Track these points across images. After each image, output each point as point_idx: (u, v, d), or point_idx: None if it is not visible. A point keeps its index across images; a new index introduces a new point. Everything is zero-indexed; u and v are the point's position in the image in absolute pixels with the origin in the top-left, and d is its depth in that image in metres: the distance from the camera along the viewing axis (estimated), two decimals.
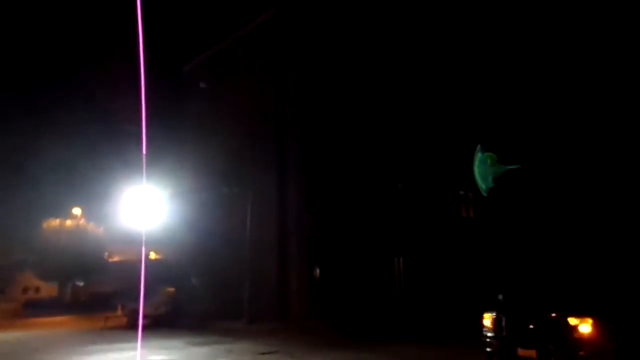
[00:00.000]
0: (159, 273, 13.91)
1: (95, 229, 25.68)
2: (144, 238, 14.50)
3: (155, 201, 14.57)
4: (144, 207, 14.31)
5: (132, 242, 23.94)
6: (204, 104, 15.00)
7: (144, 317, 13.41)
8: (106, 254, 26.78)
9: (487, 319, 5.76)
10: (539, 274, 6.72)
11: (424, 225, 14.83)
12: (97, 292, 24.81)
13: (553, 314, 5.32)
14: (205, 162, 13.88)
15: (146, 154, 14.36)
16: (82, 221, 25.56)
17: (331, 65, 13.25)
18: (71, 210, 25.81)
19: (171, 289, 13.18)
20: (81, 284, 27.40)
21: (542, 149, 14.63)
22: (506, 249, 13.02)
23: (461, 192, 17.01)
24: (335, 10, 13.51)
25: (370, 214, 13.42)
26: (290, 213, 12.27)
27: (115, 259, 26.41)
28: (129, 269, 24.66)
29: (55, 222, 25.08)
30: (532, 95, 15.49)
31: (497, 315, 5.68)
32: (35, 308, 25.72)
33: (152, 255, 28.80)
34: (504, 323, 5.59)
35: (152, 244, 13.38)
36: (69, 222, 25.35)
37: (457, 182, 15.50)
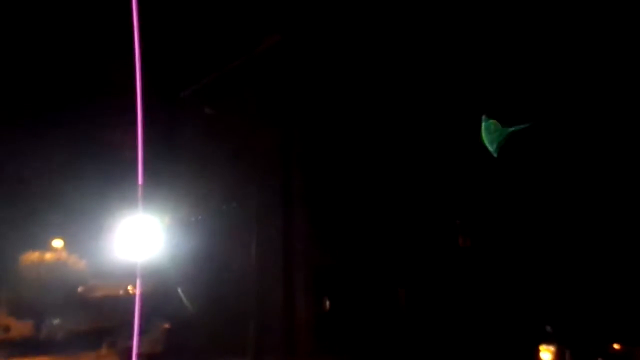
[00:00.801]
0: (155, 306, 13.11)
1: (77, 262, 24.46)
2: (139, 269, 13.70)
3: (151, 231, 13.96)
4: (139, 238, 13.62)
5: (117, 275, 22.89)
6: (202, 131, 14.60)
7: (140, 355, 12.54)
8: (81, 288, 25.40)
9: (547, 352, 5.36)
10: (592, 300, 6.39)
11: (424, 256, 14.57)
12: (77, 329, 23.43)
13: (617, 345, 4.96)
14: (205, 191, 13.36)
15: (142, 183, 13.60)
16: (64, 254, 24.35)
17: (338, 92, 13.12)
18: (51, 242, 24.68)
19: (168, 324, 12.41)
20: (56, 321, 25.88)
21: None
22: (546, 275, 12.57)
23: (457, 221, 16.92)
24: (343, 35, 13.45)
25: (375, 244, 13.10)
26: (297, 244, 11.79)
27: (98, 293, 25.07)
28: (114, 304, 23.46)
29: (33, 255, 23.82)
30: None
31: (558, 347, 5.28)
32: (7, 348, 24.05)
33: (130, 289, 27.61)
34: (568, 356, 5.19)
35: (148, 275, 12.57)
36: (48, 255, 24.11)
37: (453, 212, 15.45)
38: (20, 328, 29.37)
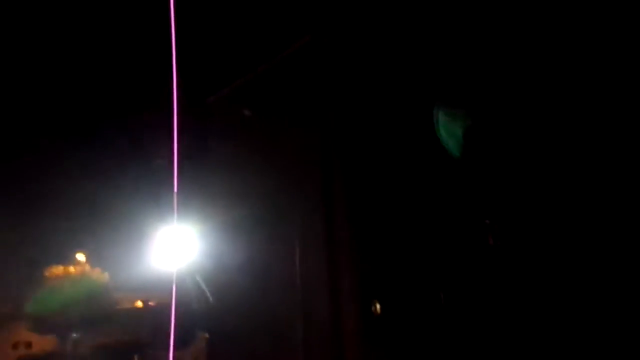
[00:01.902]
0: (191, 317, 12.85)
1: (100, 275, 24.28)
2: (175, 279, 13.30)
3: (187, 240, 13.68)
4: (174, 247, 13.35)
5: (143, 287, 22.69)
6: (234, 136, 14.30)
7: None
8: (106, 301, 25.16)
9: None
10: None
11: (457, 257, 14.24)
12: (102, 344, 23.18)
13: None
14: (242, 198, 13.07)
15: (177, 192, 13.16)
16: (87, 267, 24.19)
17: (376, 93, 12.81)
18: (75, 255, 24.56)
19: (207, 336, 12.11)
20: (80, 335, 25.66)
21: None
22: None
23: (486, 221, 16.60)
24: (377, 32, 13.15)
25: (415, 245, 12.76)
26: (340, 248, 11.44)
27: (126, 305, 24.86)
28: (141, 317, 23.22)
29: (57, 269, 23.70)
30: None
31: None
32: None
33: (139, 304, 27.40)
34: None
35: (184, 286, 12.33)
36: (72, 269, 23.97)
37: (481, 211, 15.12)
38: (43, 343, 29.22)
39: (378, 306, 11.16)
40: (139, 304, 27.50)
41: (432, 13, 13.48)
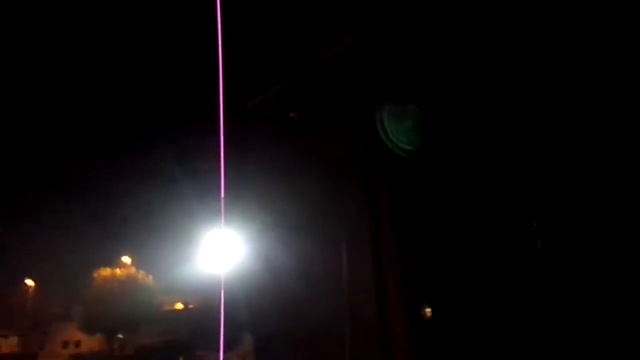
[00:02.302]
0: (239, 319, 12.98)
1: (144, 277, 24.96)
2: (223, 282, 13.40)
3: (233, 244, 13.88)
4: (221, 250, 13.52)
5: (186, 289, 23.23)
6: (276, 141, 14.36)
7: None
8: (152, 303, 25.82)
9: None
10: None
11: (504, 260, 13.82)
12: (148, 344, 23.82)
13: None
14: (287, 202, 13.05)
15: (224, 197, 13.22)
16: (133, 270, 24.92)
17: (418, 93, 12.66)
18: (120, 258, 25.34)
19: (255, 338, 12.19)
20: (121, 336, 26.40)
21: None
22: None
23: (534, 223, 16.08)
24: (420, 34, 13.00)
25: (462, 248, 12.50)
26: (386, 252, 11.31)
27: (169, 307, 25.48)
28: (187, 317, 23.69)
29: (105, 272, 24.49)
30: None
31: None
32: None
33: (180, 306, 27.89)
34: None
35: (230, 288, 12.44)
36: (118, 271, 24.73)
37: (529, 213, 14.65)
38: (91, 343, 30.30)
39: (428, 310, 10.96)
40: (180, 306, 28.15)
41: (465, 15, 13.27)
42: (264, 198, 13.25)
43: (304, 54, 14.48)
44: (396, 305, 10.84)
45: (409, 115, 12.79)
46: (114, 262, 25.00)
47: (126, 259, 25.31)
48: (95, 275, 24.20)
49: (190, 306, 26.88)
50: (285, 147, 13.79)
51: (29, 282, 30.43)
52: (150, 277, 25.06)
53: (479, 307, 12.42)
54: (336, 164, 12.51)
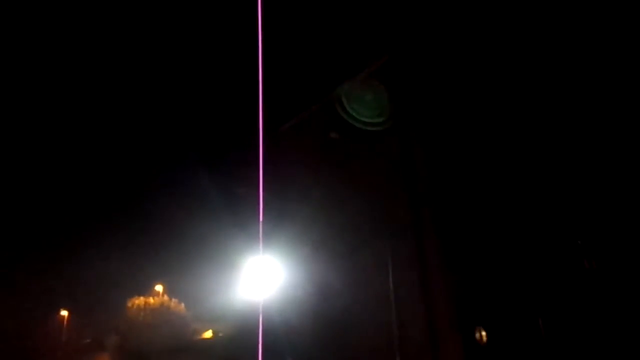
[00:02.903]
0: (277, 348, 12.53)
1: (177, 305, 24.81)
2: (261, 308, 13.04)
3: (272, 270, 13.58)
4: (260, 277, 13.21)
5: (219, 317, 22.89)
6: (312, 162, 14.14)
7: None
8: (185, 331, 25.50)
9: None
10: None
11: (551, 280, 13.10)
12: None
13: None
14: (327, 225, 12.68)
15: (262, 223, 12.88)
16: (166, 298, 24.81)
17: (458, 110, 12.32)
18: (154, 286, 25.33)
19: None
20: None
21: None
22: None
23: (578, 242, 15.31)
24: (460, 49, 12.73)
25: (512, 268, 11.89)
26: (434, 275, 10.82)
27: (204, 335, 25.16)
28: (219, 346, 23.23)
29: (139, 300, 24.46)
30: None
31: None
32: None
33: (209, 334, 27.50)
34: None
35: (268, 314, 12.06)
36: (152, 300, 24.65)
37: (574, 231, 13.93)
38: None
39: (483, 334, 10.30)
40: (209, 334, 27.78)
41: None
42: (303, 223, 12.92)
43: (337, 75, 14.38)
44: (448, 329, 10.28)
45: (369, 90, 12.96)
46: (146, 290, 24.97)
47: (159, 287, 25.25)
48: (129, 304, 24.17)
49: (220, 334, 26.51)
50: (323, 168, 13.55)
51: (63, 312, 30.63)
52: (183, 305, 24.87)
53: (531, 331, 11.69)
54: (376, 184, 12.19)
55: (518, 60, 13.42)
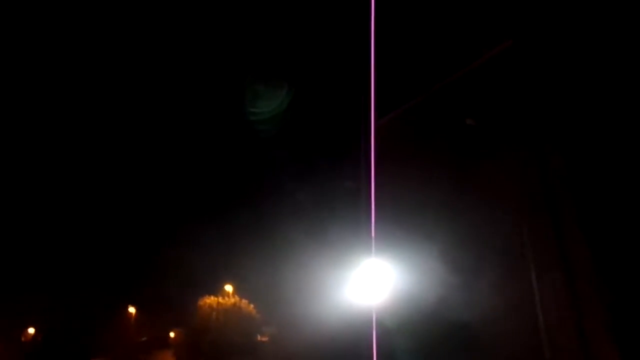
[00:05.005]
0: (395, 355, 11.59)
1: (247, 306, 24.33)
2: (374, 313, 11.91)
3: (383, 277, 12.65)
4: (372, 281, 12.25)
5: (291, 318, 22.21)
6: (423, 158, 12.97)
7: None
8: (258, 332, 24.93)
9: None
10: None
11: None
12: None
13: None
14: (445, 232, 11.50)
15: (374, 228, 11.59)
16: (236, 298, 24.36)
17: (585, 109, 10.92)
18: (223, 287, 24.95)
19: None
20: None
21: None
22: None
23: None
24: (586, 33, 11.33)
25: None
26: (583, 287, 9.55)
27: (271, 337, 24.54)
28: (277, 348, 22.47)
29: (210, 299, 24.15)
30: None
31: None
32: None
33: (264, 337, 26.80)
34: None
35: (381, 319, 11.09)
36: (222, 300, 24.28)
37: None
38: None
39: None
40: (264, 337, 27.20)
41: None
42: (421, 230, 11.71)
43: (447, 62, 13.22)
44: (602, 335, 9.00)
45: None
46: (216, 289, 24.63)
47: (228, 287, 24.86)
48: (201, 302, 23.89)
49: (264, 339, 25.95)
50: (436, 164, 12.39)
51: (131, 309, 30.95)
52: (252, 306, 24.37)
53: None
54: (502, 185, 10.97)
55: None
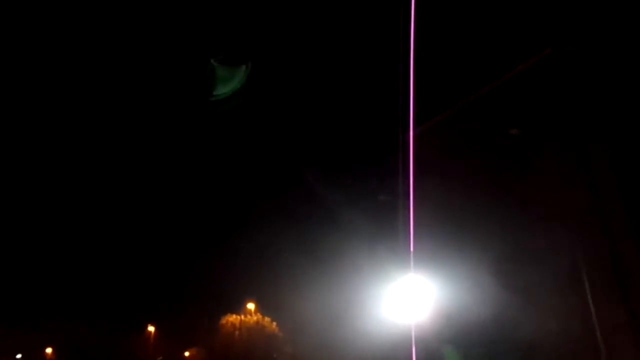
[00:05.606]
0: None
1: (270, 324, 23.81)
2: (413, 330, 11.37)
3: (421, 292, 12.17)
4: (411, 298, 11.76)
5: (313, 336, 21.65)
6: (459, 169, 12.55)
7: None
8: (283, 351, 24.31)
9: None
10: None
11: None
12: None
13: None
14: (484, 245, 11.02)
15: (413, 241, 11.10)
16: (258, 316, 23.90)
17: (627, 115, 10.49)
18: (245, 304, 24.52)
19: None
20: None
21: None
22: None
23: None
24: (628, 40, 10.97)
25: None
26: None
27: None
28: None
29: (232, 317, 23.72)
30: None
31: None
32: None
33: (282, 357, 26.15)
34: None
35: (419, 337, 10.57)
36: (244, 317, 23.83)
37: None
38: None
39: None
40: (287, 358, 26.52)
41: None
42: (459, 237, 11.32)
43: (486, 71, 12.87)
44: None
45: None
46: (239, 308, 24.20)
47: (251, 305, 24.41)
48: (223, 321, 23.48)
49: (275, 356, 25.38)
50: (483, 183, 11.89)
51: (150, 328, 30.55)
52: (275, 324, 23.85)
53: None
54: (547, 195, 10.53)
55: None
